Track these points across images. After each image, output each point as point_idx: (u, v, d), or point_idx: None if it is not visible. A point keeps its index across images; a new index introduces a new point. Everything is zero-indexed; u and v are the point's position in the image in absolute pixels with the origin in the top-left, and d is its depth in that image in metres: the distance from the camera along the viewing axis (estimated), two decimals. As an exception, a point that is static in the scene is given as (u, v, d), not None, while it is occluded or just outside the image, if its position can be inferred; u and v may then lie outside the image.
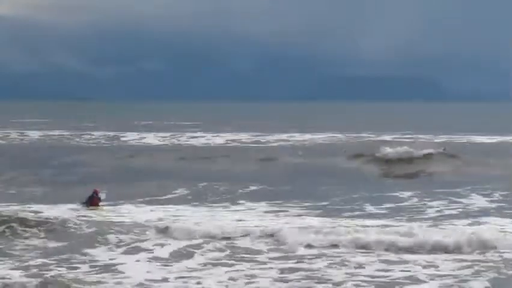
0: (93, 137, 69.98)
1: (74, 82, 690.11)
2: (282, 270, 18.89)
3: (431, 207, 28.96)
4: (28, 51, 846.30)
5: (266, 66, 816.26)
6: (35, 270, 18.68)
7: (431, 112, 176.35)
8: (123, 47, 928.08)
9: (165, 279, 18.08)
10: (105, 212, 27.50)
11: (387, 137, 66.38)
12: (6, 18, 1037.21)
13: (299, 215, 26.97)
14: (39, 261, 19.69)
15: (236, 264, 19.50)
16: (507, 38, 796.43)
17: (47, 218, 24.61)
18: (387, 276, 18.24)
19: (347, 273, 18.55)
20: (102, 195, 29.12)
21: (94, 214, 26.80)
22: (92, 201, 28.51)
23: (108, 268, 19.14)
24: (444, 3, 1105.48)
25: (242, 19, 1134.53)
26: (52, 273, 18.41)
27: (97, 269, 19.01)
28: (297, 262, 19.76)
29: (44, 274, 18.24)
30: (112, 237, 22.34)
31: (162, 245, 21.45)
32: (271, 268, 19.15)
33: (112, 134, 72.40)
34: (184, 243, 21.65)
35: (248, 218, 26.25)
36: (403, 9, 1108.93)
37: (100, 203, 28.66)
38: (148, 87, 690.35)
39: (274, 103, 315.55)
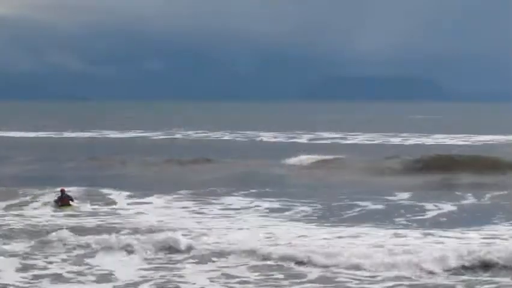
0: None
1: (74, 82, 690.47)
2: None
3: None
4: (28, 51, 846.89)
5: (266, 66, 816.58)
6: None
7: (412, 112, 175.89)
8: (123, 47, 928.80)
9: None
10: (75, 210, 28.05)
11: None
12: (6, 18, 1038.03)
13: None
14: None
15: None
16: (507, 38, 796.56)
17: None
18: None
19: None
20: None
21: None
22: (63, 200, 28.94)
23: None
24: (444, 3, 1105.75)
25: (242, 19, 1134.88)
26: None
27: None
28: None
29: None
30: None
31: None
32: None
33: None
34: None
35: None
36: (403, 9, 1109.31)
37: (72, 202, 29.06)
38: (148, 87, 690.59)
39: (274, 103, 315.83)
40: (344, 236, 21.92)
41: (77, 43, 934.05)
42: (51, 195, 30.10)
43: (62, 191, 29.23)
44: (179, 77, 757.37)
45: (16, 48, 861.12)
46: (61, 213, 27.24)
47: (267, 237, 21.60)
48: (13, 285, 17.35)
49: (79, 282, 17.61)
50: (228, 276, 17.93)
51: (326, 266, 18.47)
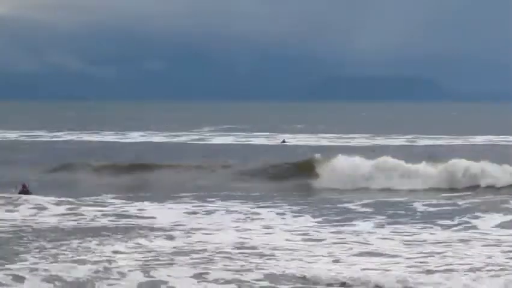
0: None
1: (74, 82, 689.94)
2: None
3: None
4: (28, 51, 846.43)
5: (266, 66, 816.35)
6: None
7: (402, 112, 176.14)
8: (123, 47, 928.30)
9: None
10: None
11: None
12: (6, 18, 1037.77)
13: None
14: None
15: None
16: (507, 38, 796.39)
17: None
18: None
19: None
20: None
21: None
22: (24, 194, 31.04)
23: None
24: (444, 3, 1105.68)
25: (242, 19, 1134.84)
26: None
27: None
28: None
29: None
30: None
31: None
32: None
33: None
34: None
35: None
36: (403, 9, 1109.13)
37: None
38: (148, 87, 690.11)
39: (274, 103, 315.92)
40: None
41: (77, 43, 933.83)
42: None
43: (24, 186, 31.44)
44: (179, 77, 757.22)
45: (16, 48, 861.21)
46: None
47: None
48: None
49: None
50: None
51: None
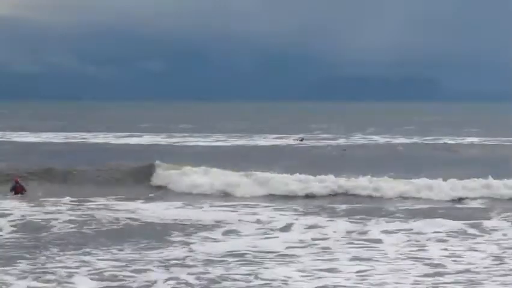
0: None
1: (74, 82, 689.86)
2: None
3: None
4: (28, 51, 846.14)
5: (266, 67, 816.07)
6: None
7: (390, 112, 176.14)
8: (123, 47, 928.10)
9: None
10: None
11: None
12: (6, 18, 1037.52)
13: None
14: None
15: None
16: (507, 37, 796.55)
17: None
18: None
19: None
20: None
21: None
22: (16, 189, 31.66)
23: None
24: (444, 3, 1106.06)
25: (242, 19, 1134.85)
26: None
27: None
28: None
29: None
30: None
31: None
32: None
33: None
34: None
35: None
36: (403, 8, 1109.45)
37: (23, 191, 31.60)
38: (148, 87, 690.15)
39: (273, 103, 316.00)
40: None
41: (77, 43, 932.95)
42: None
43: (16, 181, 31.92)
44: (179, 77, 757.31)
45: (16, 48, 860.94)
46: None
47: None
48: None
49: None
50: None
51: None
